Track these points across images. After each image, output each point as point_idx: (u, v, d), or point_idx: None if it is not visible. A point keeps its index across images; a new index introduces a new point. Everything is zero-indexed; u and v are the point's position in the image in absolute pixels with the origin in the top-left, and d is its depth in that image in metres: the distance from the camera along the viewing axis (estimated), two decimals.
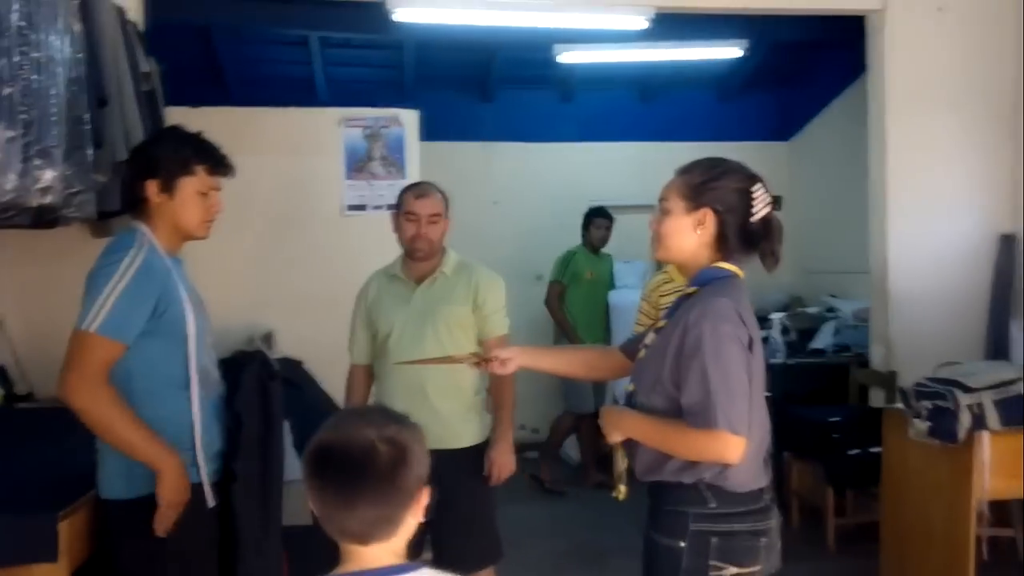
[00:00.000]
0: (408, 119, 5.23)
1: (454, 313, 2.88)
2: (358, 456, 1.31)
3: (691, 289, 1.98)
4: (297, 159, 5.16)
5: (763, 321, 5.68)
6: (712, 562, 1.89)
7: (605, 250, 6.29)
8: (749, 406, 1.84)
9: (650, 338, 2.04)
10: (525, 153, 6.97)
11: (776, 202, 2.00)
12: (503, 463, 2.85)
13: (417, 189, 2.95)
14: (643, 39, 5.24)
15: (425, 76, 6.46)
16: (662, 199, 2.01)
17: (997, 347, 4.34)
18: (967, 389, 3.15)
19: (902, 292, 4.46)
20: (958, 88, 4.47)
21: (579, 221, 7.10)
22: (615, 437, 2.04)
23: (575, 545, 4.62)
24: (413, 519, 1.36)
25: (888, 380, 4.34)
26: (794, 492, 4.77)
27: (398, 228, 2.92)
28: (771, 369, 5.13)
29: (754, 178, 1.98)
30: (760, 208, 1.95)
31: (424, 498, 1.36)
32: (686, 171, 2.01)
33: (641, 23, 4.47)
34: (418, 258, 2.89)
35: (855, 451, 4.26)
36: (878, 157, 4.51)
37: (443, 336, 2.84)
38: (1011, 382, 3.24)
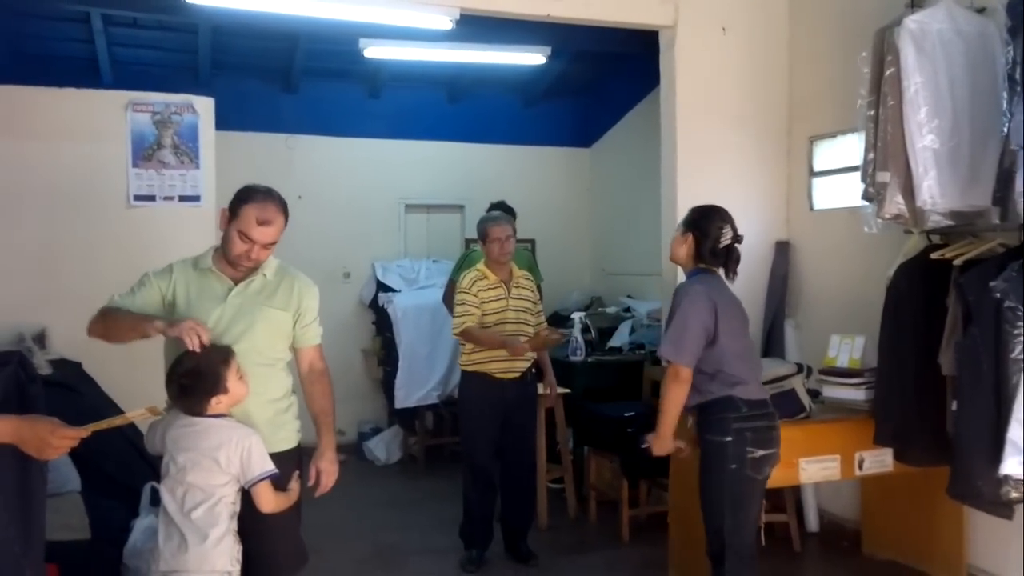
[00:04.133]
0: (202, 106, 4.95)
1: (275, 318, 2.72)
2: None
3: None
4: (77, 145, 4.76)
5: (565, 320, 5.87)
6: (748, 448, 2.95)
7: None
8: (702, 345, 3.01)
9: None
10: (331, 147, 6.81)
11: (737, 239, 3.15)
12: (330, 472, 2.78)
13: (262, 211, 2.62)
14: (450, 39, 5.25)
15: (223, 63, 6.16)
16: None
17: (773, 344, 4.69)
18: None
19: None
20: (741, 104, 4.78)
21: (388, 217, 7.04)
22: (666, 448, 3.20)
23: (377, 548, 4.56)
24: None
25: None
26: (592, 486, 4.94)
27: (225, 233, 2.66)
28: (572, 367, 5.38)
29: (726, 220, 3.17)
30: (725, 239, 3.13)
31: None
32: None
33: (446, 23, 4.47)
34: (239, 269, 2.70)
35: (647, 445, 4.45)
36: (669, 166, 4.75)
37: (259, 340, 2.66)
38: (784, 377, 3.51)
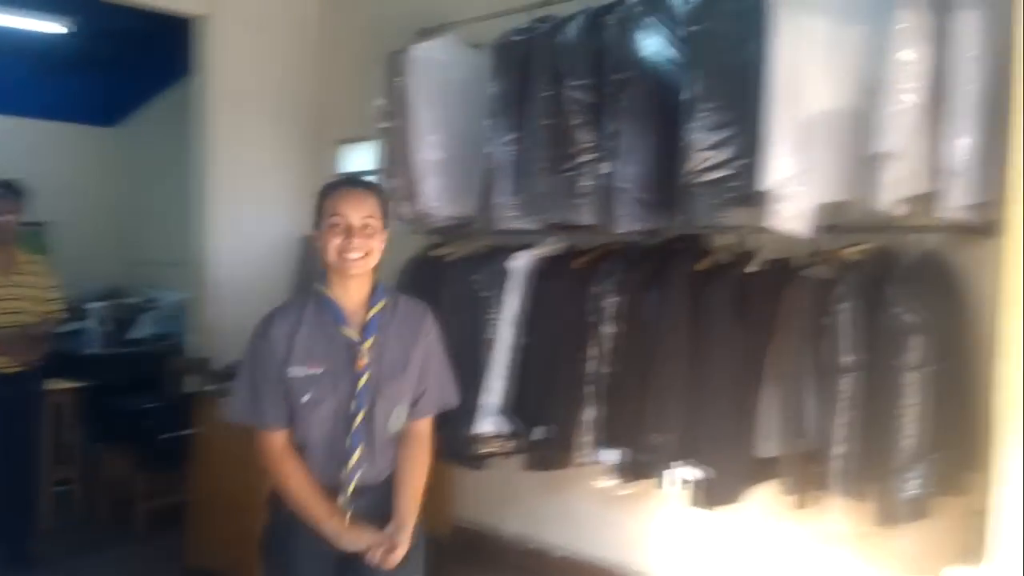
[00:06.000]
0: None
1: None
2: None
3: (380, 304, 2.18)
4: None
5: (80, 311, 5.50)
6: None
7: None
8: None
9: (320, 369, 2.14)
10: None
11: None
12: None
13: None
14: None
15: None
16: (370, 217, 2.11)
17: None
18: None
19: (218, 283, 4.77)
20: (274, 101, 4.96)
21: None
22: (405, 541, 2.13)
23: None
24: None
25: (202, 366, 4.60)
26: (106, 482, 4.73)
27: None
28: (86, 360, 5.08)
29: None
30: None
31: None
32: (379, 192, 2.19)
33: None
34: None
35: (167, 435, 4.42)
36: (199, 155, 4.75)
37: None
38: None
